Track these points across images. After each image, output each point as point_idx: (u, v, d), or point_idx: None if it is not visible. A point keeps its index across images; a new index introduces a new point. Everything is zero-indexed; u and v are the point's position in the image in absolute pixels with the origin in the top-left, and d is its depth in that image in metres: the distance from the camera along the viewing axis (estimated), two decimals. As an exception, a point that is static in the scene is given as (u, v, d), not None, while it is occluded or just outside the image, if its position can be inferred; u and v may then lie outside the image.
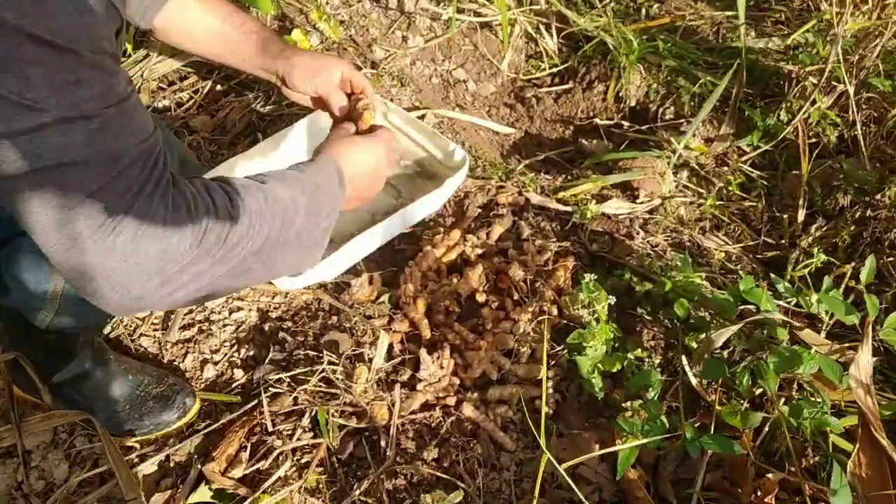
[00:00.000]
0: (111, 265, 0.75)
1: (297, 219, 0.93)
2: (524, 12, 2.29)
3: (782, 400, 1.27)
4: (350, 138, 1.15)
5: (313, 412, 1.32)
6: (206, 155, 1.92)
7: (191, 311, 1.55)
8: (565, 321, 1.48)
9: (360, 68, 2.12)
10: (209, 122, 2.01)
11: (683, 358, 1.37)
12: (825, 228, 1.74)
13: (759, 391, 1.30)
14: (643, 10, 2.34)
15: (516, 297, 1.52)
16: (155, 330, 1.52)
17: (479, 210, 1.74)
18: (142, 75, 2.02)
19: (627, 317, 1.50)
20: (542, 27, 2.29)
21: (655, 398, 1.30)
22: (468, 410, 1.37)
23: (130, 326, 1.51)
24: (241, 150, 1.94)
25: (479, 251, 1.62)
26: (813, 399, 1.26)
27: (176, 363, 1.46)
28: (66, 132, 0.69)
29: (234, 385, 1.42)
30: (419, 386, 1.41)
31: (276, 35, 1.28)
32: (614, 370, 1.36)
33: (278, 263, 0.94)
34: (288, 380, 1.37)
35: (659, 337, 1.48)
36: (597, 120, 2.10)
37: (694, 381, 1.35)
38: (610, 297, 1.35)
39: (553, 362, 1.45)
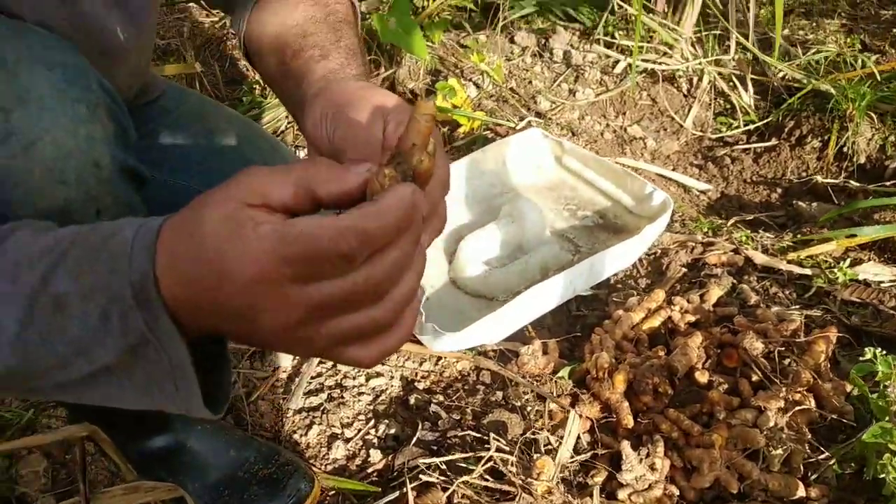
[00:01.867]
0: None
1: None
2: (711, 62, 1.98)
3: None
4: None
5: (477, 516, 0.94)
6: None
7: (319, 374, 1.24)
8: (833, 415, 1.04)
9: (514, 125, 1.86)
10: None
11: None
12: None
13: None
14: (859, 61, 1.96)
15: (755, 377, 1.09)
16: (275, 394, 1.21)
17: (684, 270, 1.36)
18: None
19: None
20: (735, 80, 1.96)
21: None
22: (696, 536, 0.93)
23: (249, 385, 1.21)
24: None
25: (692, 318, 1.22)
26: None
27: (297, 436, 1.13)
28: None
29: (368, 470, 1.07)
30: (621, 494, 0.99)
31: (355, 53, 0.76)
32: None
33: None
34: (442, 466, 1.00)
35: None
36: (817, 177, 1.69)
37: None
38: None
39: (814, 475, 1.00)
